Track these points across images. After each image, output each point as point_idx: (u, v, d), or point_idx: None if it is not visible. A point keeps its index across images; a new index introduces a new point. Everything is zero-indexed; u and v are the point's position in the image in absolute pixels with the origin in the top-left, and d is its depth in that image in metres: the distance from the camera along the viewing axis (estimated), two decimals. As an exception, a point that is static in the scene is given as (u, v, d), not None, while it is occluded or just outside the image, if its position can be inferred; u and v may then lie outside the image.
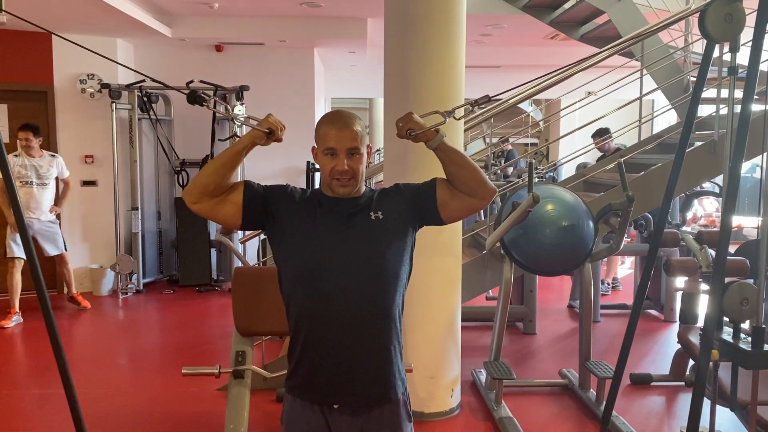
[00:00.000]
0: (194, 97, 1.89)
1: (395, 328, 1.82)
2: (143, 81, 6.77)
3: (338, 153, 1.76)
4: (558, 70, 3.56)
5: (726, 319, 2.42)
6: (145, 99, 6.93)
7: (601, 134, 6.82)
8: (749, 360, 2.26)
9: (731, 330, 2.38)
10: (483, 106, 1.96)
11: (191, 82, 6.81)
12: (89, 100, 6.82)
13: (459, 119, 1.82)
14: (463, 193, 1.80)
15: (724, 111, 4.22)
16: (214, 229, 7.11)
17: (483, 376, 4.27)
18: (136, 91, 6.80)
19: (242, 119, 1.84)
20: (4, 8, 2.06)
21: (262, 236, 5.75)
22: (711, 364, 2.38)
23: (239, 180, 1.83)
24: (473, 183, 1.78)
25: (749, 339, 2.28)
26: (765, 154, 2.58)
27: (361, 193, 1.85)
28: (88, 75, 6.76)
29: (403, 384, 1.87)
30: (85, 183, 6.91)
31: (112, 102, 6.71)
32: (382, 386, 1.81)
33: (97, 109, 6.82)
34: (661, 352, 5.09)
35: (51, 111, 6.74)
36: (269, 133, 1.77)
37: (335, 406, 1.80)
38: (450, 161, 1.78)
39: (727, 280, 2.34)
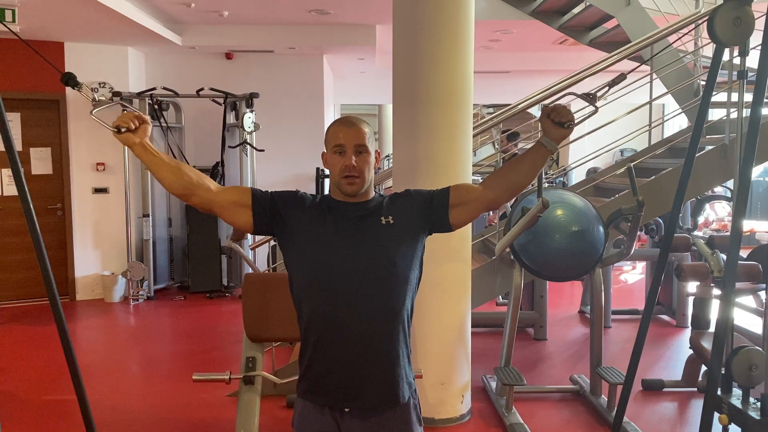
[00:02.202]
0: (67, 79, 1.84)
1: (404, 332, 1.82)
2: (154, 89, 6.82)
3: (346, 150, 1.78)
4: (573, 74, 3.55)
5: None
6: (156, 107, 6.97)
7: (511, 138, 7.07)
8: (758, 430, 2.19)
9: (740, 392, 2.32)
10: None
11: (201, 89, 6.87)
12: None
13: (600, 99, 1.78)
14: (491, 193, 1.82)
15: (734, 115, 4.20)
16: (224, 235, 7.14)
17: (493, 382, 4.25)
18: (147, 98, 6.86)
19: (100, 118, 1.82)
20: (17, 20, 2.09)
21: (272, 242, 5.77)
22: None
23: (245, 186, 1.85)
24: (516, 189, 1.83)
25: (758, 404, 2.22)
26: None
27: (369, 197, 1.86)
28: (99, 83, 6.81)
29: (410, 388, 1.87)
30: (97, 190, 6.98)
31: (124, 110, 6.75)
32: (389, 390, 1.81)
33: (109, 117, 6.86)
34: (673, 357, 5.05)
35: (63, 119, 6.81)
36: (118, 131, 1.77)
37: (346, 409, 1.81)
38: (533, 161, 1.79)
39: (738, 285, 2.32)
